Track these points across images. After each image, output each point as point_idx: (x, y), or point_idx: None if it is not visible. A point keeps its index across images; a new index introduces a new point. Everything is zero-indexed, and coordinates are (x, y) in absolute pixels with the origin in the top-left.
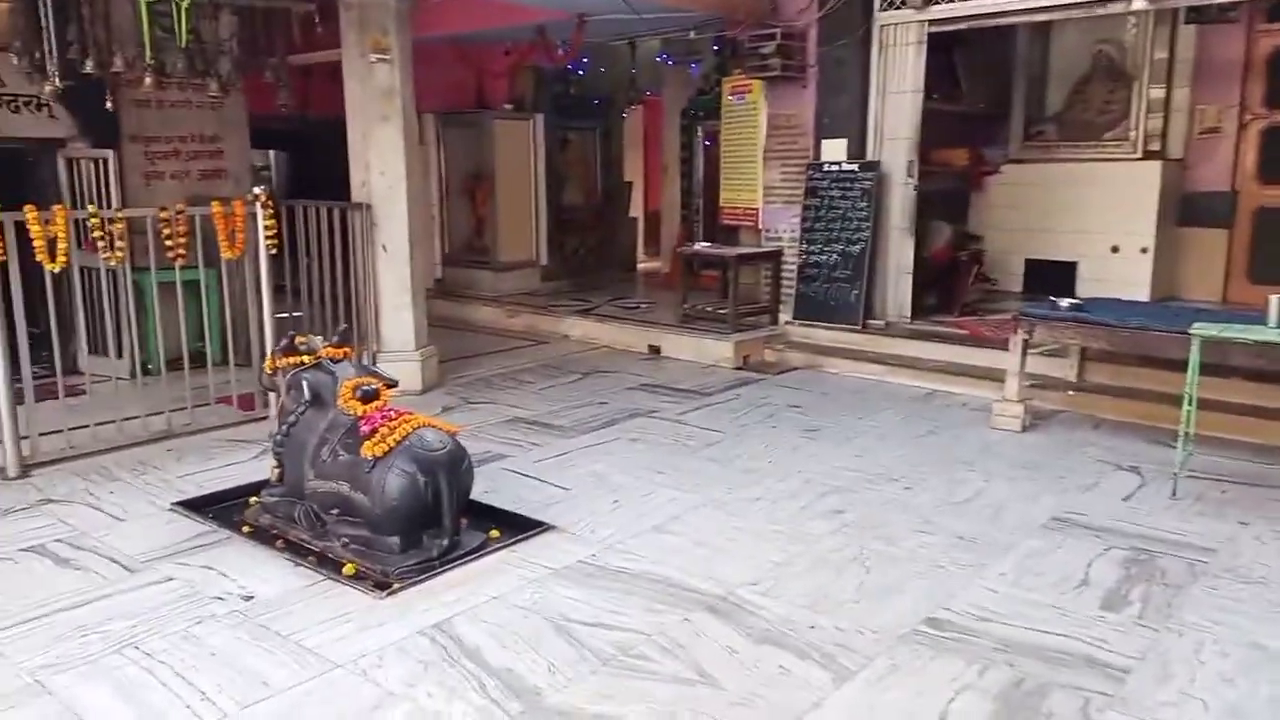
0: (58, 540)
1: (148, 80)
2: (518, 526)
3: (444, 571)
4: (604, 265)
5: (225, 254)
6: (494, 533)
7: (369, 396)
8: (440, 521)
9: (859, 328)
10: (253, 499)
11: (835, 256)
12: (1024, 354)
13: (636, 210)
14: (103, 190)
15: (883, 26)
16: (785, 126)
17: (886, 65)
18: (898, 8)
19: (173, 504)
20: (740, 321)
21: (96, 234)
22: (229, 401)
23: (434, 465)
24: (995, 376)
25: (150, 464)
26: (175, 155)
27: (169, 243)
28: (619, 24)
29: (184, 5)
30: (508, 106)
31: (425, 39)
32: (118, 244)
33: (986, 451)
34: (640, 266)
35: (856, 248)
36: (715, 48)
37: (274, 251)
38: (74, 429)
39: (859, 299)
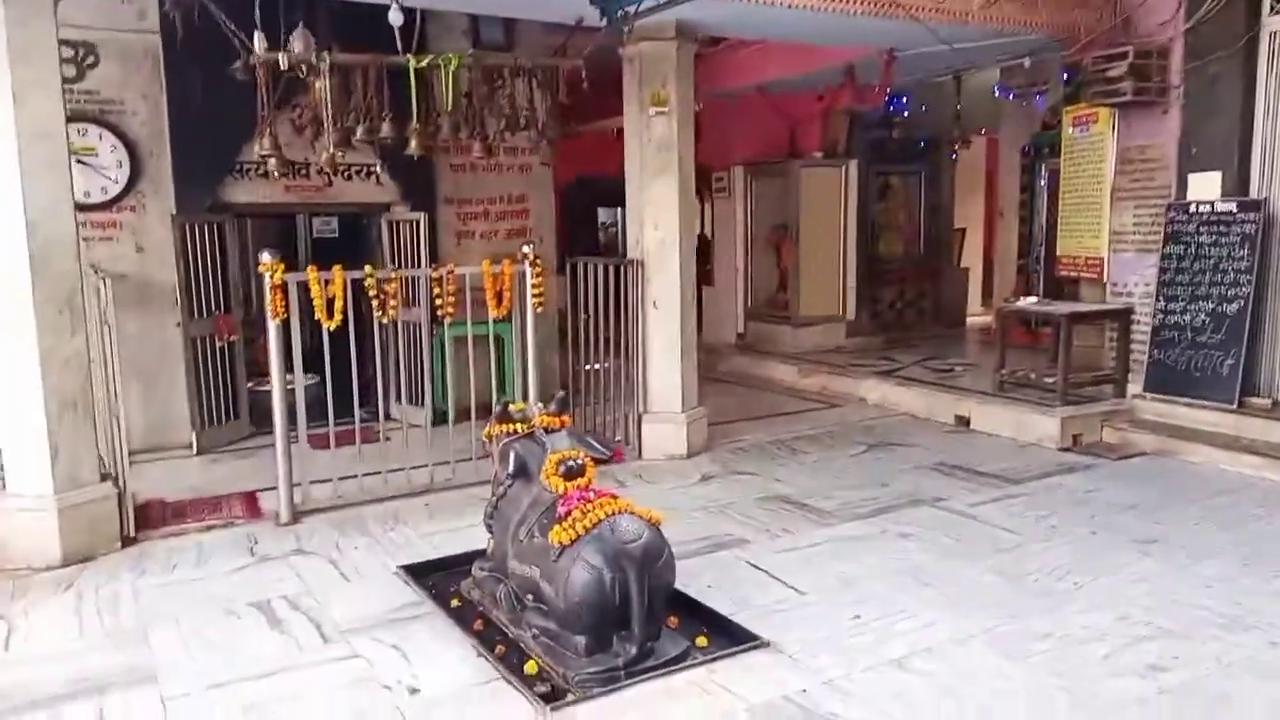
0: (282, 597)
1: (475, 148)
2: (729, 636)
3: (628, 685)
4: (925, 320)
5: (492, 312)
6: (701, 640)
7: (572, 473)
8: (629, 624)
9: (1233, 407)
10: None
11: (1203, 317)
12: None
13: (973, 259)
14: (417, 249)
15: (1275, 33)
16: (1139, 160)
17: None
18: None
19: (399, 567)
20: (1072, 392)
21: (372, 293)
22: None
23: (624, 560)
24: None
25: (403, 519)
26: (484, 216)
27: (438, 300)
28: (938, 58)
29: (452, 68)
30: (817, 154)
31: (732, 91)
32: (390, 302)
33: None
34: (970, 321)
35: (1232, 306)
36: (1064, 75)
37: (540, 309)
38: (342, 479)
39: (1234, 370)
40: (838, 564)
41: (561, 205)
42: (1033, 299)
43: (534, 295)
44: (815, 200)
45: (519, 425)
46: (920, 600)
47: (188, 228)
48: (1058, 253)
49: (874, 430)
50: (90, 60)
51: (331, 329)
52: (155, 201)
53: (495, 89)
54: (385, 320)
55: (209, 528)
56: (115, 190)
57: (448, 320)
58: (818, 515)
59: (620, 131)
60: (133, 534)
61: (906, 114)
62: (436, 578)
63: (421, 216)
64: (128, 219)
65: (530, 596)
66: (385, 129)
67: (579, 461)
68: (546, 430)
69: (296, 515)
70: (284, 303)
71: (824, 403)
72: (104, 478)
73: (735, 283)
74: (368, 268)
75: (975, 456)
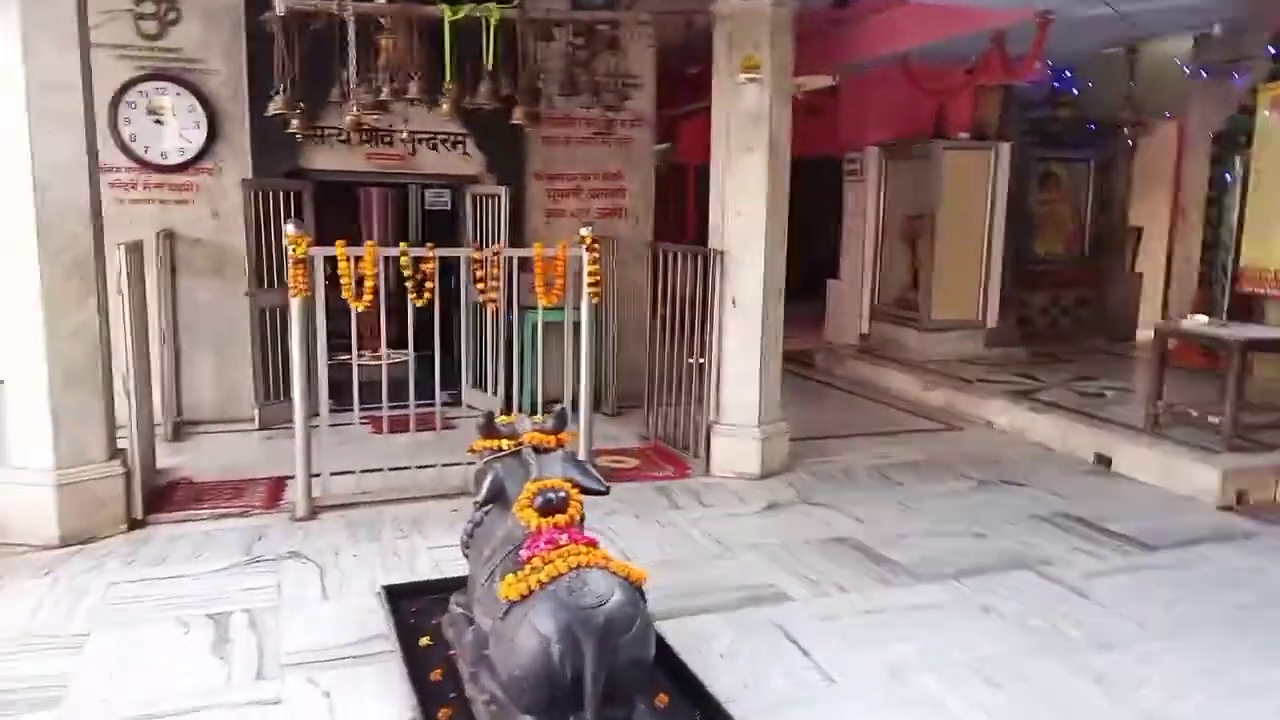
0: (246, 611)
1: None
2: None
3: None
4: (1085, 333)
5: (541, 301)
6: None
7: (551, 507)
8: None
9: None
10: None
11: None
12: None
13: (1151, 264)
14: (498, 226)
15: None
16: None
17: None
18: None
19: (382, 587)
20: (1243, 437)
21: (407, 272)
22: None
23: (580, 629)
24: None
25: (421, 525)
26: (576, 193)
27: (480, 285)
28: (1107, 25)
29: (494, 20)
30: (962, 135)
31: (865, 61)
32: (427, 284)
33: None
34: (1141, 336)
35: None
36: (1271, 50)
37: (596, 300)
38: (365, 472)
39: None
40: (890, 643)
41: (695, 188)
42: (1202, 318)
43: (589, 284)
44: (957, 187)
45: (505, 441)
46: (985, 706)
47: (260, 194)
48: (1241, 263)
49: (992, 463)
50: (172, 17)
51: (360, 310)
52: (233, 165)
53: (545, 46)
54: (419, 304)
55: (222, 515)
56: (192, 152)
57: (539, 304)
58: (888, 570)
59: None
60: (141, 517)
61: (1076, 92)
62: (421, 604)
63: (503, 191)
64: (205, 182)
65: (486, 652)
66: (413, 89)
67: (562, 494)
68: (537, 450)
69: (314, 510)
70: (308, 279)
71: (943, 424)
72: (114, 455)
73: (863, 277)
74: (402, 245)
75: (1108, 509)
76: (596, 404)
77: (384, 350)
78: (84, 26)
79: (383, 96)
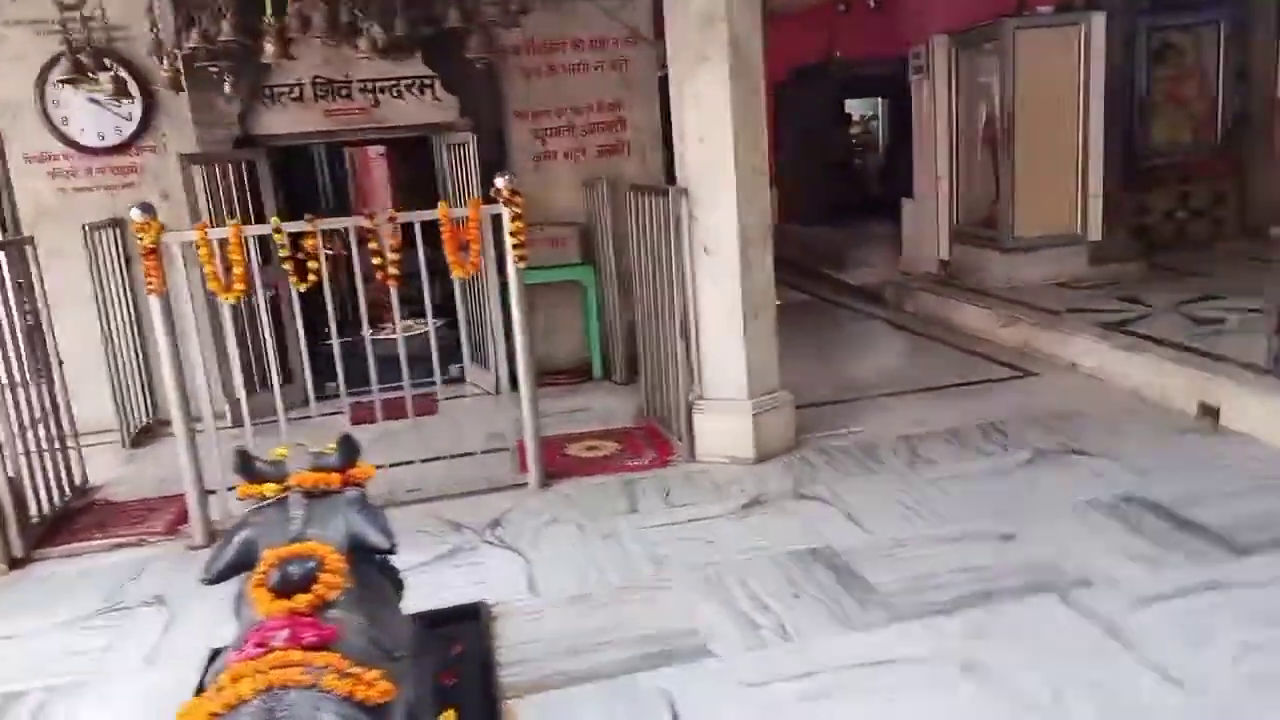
0: (48, 689)
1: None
2: None
3: None
4: (1223, 235)
5: (455, 272)
6: None
7: (289, 585)
8: None
9: None
10: None
11: None
12: None
13: None
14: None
15: None
16: None
17: None
18: None
19: (211, 651)
20: None
21: (283, 253)
22: (521, 452)
23: None
24: None
25: None
26: (569, 130)
27: (376, 260)
28: None
29: None
30: (1044, 9)
31: None
32: (311, 264)
33: None
34: None
35: None
36: None
37: (522, 265)
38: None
39: None
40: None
41: (774, 109)
42: None
43: (513, 247)
44: (1036, 76)
45: (268, 488)
46: None
47: (206, 169)
48: None
49: (1061, 423)
50: None
51: (231, 303)
52: (178, 140)
53: None
54: (301, 290)
55: (117, 546)
56: (130, 129)
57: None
58: (859, 601)
59: None
60: (22, 555)
61: None
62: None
63: (470, 137)
64: (149, 162)
65: None
66: (226, 30)
67: (309, 565)
68: (310, 495)
69: (214, 535)
70: (160, 272)
71: (1017, 369)
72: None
73: (938, 194)
74: (273, 220)
75: (1197, 486)
76: (607, 373)
77: (366, 328)
78: None
79: (191, 43)
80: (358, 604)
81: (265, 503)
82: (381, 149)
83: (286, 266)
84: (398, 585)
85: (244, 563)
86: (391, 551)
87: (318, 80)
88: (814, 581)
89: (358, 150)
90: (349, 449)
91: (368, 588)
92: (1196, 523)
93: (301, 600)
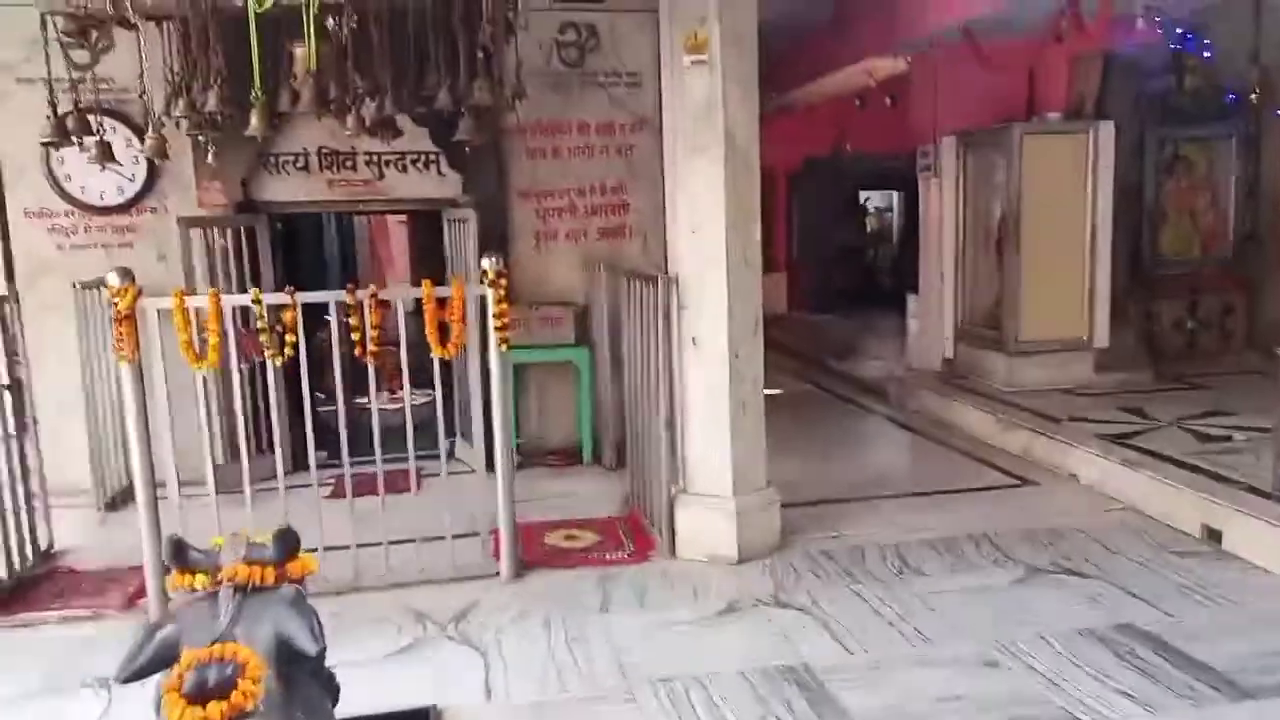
0: None
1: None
2: None
3: None
4: (1231, 350)
5: (435, 351)
6: None
7: (203, 691)
8: None
9: None
10: None
11: None
12: None
13: None
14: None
15: None
16: None
17: None
18: None
19: None
20: None
21: (262, 324)
22: (496, 539)
23: None
24: None
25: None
26: (571, 211)
27: (355, 337)
28: None
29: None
30: (1052, 115)
31: (931, 35)
32: (288, 337)
33: None
34: None
35: None
36: None
37: (505, 348)
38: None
39: None
40: None
41: (787, 197)
42: None
43: (497, 329)
44: (1041, 179)
45: (200, 579)
46: None
47: (204, 232)
48: None
49: (1056, 538)
50: (104, 44)
51: (202, 371)
52: (179, 202)
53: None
54: (277, 364)
55: (68, 619)
56: (133, 190)
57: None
58: None
59: (865, 93)
60: None
61: (1208, 55)
62: None
63: (471, 214)
64: (148, 223)
65: None
66: (212, 102)
67: (228, 670)
68: (241, 590)
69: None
70: (134, 339)
71: (1014, 476)
72: None
73: (943, 292)
74: (253, 290)
75: (1201, 618)
76: (597, 456)
77: (340, 401)
78: None
79: (177, 112)
80: (280, 711)
81: (196, 595)
82: (401, 216)
83: (264, 339)
84: (333, 690)
85: (165, 660)
86: (320, 657)
87: (323, 150)
88: (785, 704)
89: (376, 217)
90: (286, 541)
91: (295, 694)
92: (1196, 659)
93: (215, 710)
